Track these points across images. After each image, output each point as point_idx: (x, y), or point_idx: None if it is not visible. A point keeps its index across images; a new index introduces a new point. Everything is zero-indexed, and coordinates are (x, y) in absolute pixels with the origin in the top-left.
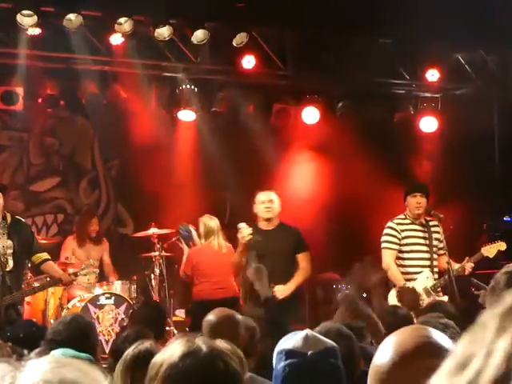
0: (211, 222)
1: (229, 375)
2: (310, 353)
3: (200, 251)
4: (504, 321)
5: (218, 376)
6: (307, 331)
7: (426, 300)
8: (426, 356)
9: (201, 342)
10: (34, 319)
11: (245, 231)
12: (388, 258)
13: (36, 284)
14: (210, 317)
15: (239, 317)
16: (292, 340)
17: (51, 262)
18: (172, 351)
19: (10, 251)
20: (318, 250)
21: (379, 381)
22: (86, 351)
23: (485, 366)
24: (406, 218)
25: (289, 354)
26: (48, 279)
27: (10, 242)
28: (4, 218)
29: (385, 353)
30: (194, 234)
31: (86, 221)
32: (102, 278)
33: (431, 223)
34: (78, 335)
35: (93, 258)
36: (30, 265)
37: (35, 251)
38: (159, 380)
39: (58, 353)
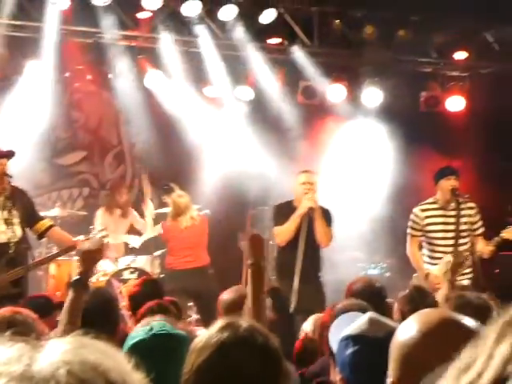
0: (181, 199)
1: (269, 349)
2: (378, 336)
3: (170, 228)
4: (505, 329)
5: (256, 349)
6: (370, 314)
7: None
8: (450, 332)
9: (241, 321)
10: (59, 292)
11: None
12: (411, 244)
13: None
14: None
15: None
16: (356, 325)
17: (58, 228)
18: (212, 327)
19: (17, 220)
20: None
21: (403, 356)
22: (107, 326)
23: (485, 368)
24: (434, 203)
25: (356, 339)
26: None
27: (15, 212)
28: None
29: (409, 330)
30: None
31: (116, 192)
32: (127, 249)
33: (463, 205)
34: (100, 310)
35: (120, 232)
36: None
37: (38, 218)
38: (193, 352)
39: (155, 325)
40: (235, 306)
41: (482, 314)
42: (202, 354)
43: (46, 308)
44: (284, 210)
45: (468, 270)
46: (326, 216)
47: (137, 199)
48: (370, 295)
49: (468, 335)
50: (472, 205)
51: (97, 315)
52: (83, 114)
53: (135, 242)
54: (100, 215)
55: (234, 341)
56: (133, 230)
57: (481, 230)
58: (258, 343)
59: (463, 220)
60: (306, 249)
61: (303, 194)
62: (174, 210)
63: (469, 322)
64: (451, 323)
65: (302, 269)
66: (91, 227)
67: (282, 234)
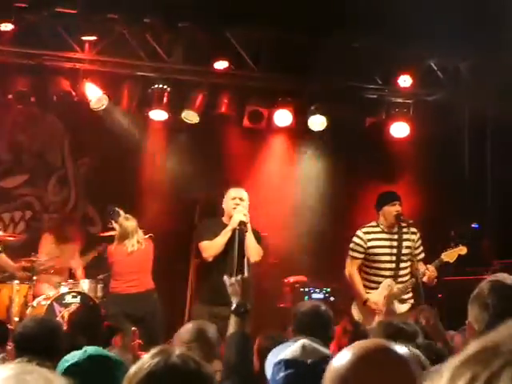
0: (127, 222)
1: (201, 376)
2: (309, 361)
3: (115, 251)
4: (455, 373)
5: (188, 376)
6: (304, 341)
7: (385, 307)
8: (385, 361)
9: (174, 348)
10: None
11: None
12: (350, 266)
13: None
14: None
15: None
16: (290, 350)
17: (3, 255)
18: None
19: None
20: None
21: (336, 378)
22: (51, 353)
23: None
24: (377, 226)
25: (288, 363)
26: None
27: None
28: None
29: (344, 356)
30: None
31: (61, 227)
32: (71, 276)
33: (406, 230)
34: (46, 338)
35: (66, 257)
36: None
37: None
38: (127, 379)
39: (90, 350)
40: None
41: (410, 340)
42: (133, 381)
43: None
44: (212, 226)
45: (408, 296)
46: (255, 235)
47: (82, 221)
48: (316, 319)
49: (399, 361)
50: (414, 230)
51: (42, 343)
52: (27, 136)
53: (76, 264)
54: (46, 240)
55: (164, 368)
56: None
57: (422, 255)
58: (190, 370)
59: (405, 244)
60: (238, 264)
61: (233, 208)
62: (120, 233)
63: (400, 348)
64: (384, 349)
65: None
66: (34, 254)
67: (211, 248)
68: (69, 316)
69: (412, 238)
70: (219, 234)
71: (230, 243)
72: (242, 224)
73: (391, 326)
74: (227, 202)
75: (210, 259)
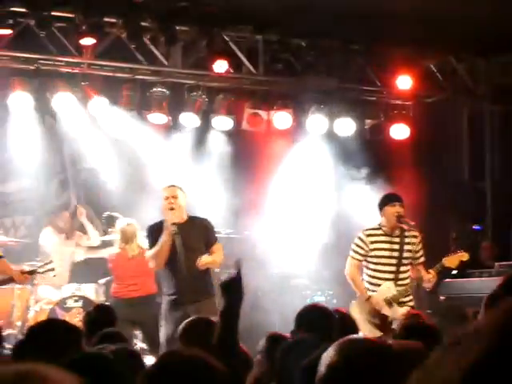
0: (128, 227)
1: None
2: None
3: (116, 256)
4: None
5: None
6: None
7: (386, 310)
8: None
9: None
10: (1, 321)
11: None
12: (351, 267)
13: None
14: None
15: None
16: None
17: (3, 260)
18: None
19: None
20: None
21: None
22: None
23: None
24: (379, 229)
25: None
26: None
27: None
28: None
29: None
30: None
31: (58, 218)
32: (72, 277)
33: (407, 233)
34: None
35: (65, 254)
36: None
37: None
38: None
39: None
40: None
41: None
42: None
43: None
44: (154, 231)
45: (408, 299)
46: (207, 227)
47: (82, 226)
48: (323, 321)
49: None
50: (416, 233)
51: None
52: (26, 140)
53: (78, 256)
54: (47, 234)
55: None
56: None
57: (422, 259)
58: (203, 367)
59: (406, 248)
60: (188, 268)
61: (166, 208)
62: (121, 238)
63: None
64: None
65: (192, 293)
66: (38, 259)
67: (155, 258)
68: (85, 315)
69: (413, 241)
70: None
71: (176, 244)
72: (174, 225)
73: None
74: (162, 203)
75: (160, 268)
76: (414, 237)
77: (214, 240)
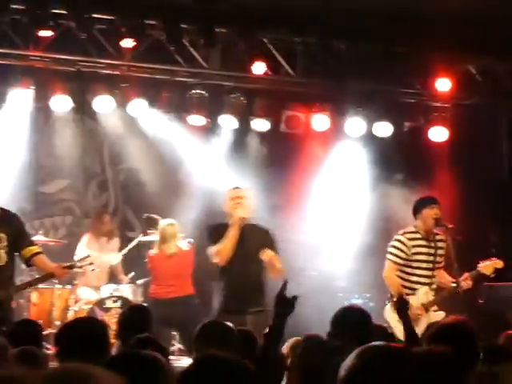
0: (170, 227)
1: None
2: None
3: (155, 256)
4: None
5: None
6: None
7: (423, 315)
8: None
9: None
10: (41, 320)
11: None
12: (390, 270)
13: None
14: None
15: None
16: None
17: (43, 256)
18: None
19: (3, 244)
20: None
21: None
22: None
23: None
24: (416, 232)
25: None
26: (37, 276)
27: (2, 235)
28: None
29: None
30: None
31: (98, 220)
32: (110, 278)
33: (437, 237)
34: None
35: (104, 256)
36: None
37: (27, 244)
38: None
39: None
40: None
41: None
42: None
43: (36, 337)
44: (219, 229)
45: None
46: (269, 238)
47: (121, 224)
48: (359, 323)
49: None
50: (443, 237)
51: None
52: (66, 141)
53: (115, 258)
54: (85, 241)
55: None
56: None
57: (443, 263)
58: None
59: (439, 252)
60: (247, 272)
61: (233, 208)
62: (160, 237)
63: None
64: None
65: (250, 300)
66: (75, 255)
67: (221, 251)
68: (119, 315)
69: (443, 245)
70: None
71: (238, 243)
72: (243, 220)
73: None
74: (227, 204)
75: (223, 263)
76: (443, 241)
77: (276, 251)
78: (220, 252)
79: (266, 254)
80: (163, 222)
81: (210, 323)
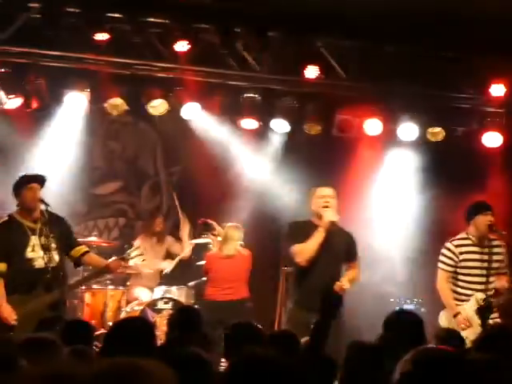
0: (234, 231)
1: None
2: None
3: (213, 257)
4: None
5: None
6: None
7: (477, 321)
8: None
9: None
10: (93, 321)
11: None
12: (441, 279)
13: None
14: None
15: None
16: None
17: (92, 253)
18: None
19: (53, 246)
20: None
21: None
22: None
23: None
24: (467, 239)
25: None
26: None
27: (52, 238)
28: (41, 211)
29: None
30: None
31: (151, 222)
32: (164, 278)
33: (494, 243)
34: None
35: (157, 259)
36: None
37: (74, 245)
38: None
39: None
40: None
41: None
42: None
43: (87, 337)
44: (302, 227)
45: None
46: (353, 243)
47: (173, 227)
48: (411, 327)
49: None
50: (500, 242)
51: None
52: (120, 144)
53: (168, 266)
54: (138, 243)
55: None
56: (168, 257)
57: (506, 269)
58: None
59: (495, 258)
60: (327, 274)
61: (322, 207)
62: (223, 238)
63: None
64: None
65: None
66: (125, 246)
67: (305, 251)
68: (169, 317)
69: (499, 251)
70: (311, 236)
71: (323, 244)
72: (333, 224)
73: None
74: (315, 202)
75: (304, 263)
76: (500, 246)
77: (355, 255)
78: (303, 252)
79: (340, 286)
80: (230, 223)
81: (240, 324)
